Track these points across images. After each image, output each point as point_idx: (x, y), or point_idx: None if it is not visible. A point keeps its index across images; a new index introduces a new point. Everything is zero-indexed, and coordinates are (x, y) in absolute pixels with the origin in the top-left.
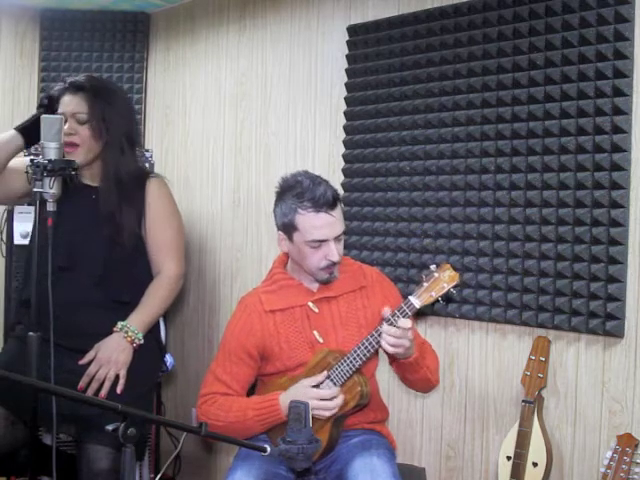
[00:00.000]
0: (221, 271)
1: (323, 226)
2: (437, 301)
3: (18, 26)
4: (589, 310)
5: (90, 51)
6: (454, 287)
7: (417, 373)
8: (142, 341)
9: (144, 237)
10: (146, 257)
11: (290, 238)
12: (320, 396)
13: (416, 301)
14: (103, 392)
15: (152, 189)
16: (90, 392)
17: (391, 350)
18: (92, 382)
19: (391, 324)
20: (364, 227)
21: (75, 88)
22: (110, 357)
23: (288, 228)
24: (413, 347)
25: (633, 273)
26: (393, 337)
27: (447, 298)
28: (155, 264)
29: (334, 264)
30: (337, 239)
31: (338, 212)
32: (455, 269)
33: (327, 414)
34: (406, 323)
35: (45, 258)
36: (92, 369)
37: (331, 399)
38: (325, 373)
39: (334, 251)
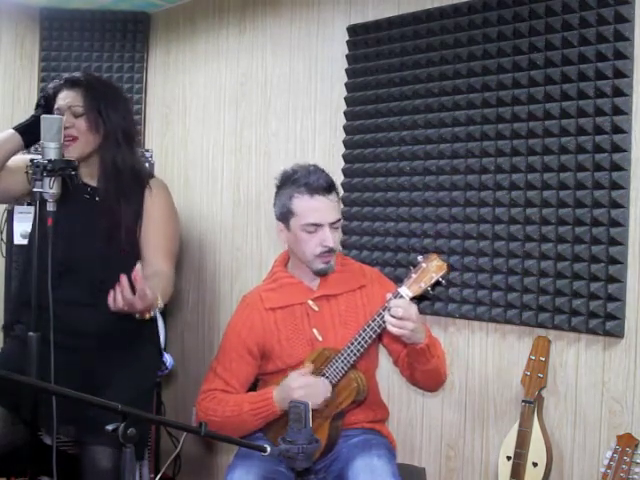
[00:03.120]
0: (221, 271)
1: (318, 209)
2: (427, 291)
3: (18, 26)
4: (589, 310)
5: (90, 51)
6: (442, 276)
7: (429, 363)
8: (155, 315)
9: (140, 239)
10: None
11: (287, 226)
12: (303, 383)
13: (406, 293)
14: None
15: (153, 192)
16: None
17: (395, 331)
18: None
19: (382, 318)
20: (364, 227)
21: (71, 83)
22: (149, 302)
23: (286, 215)
24: (423, 332)
25: (633, 273)
26: (397, 308)
27: (435, 289)
28: (149, 264)
29: (330, 252)
30: (333, 227)
31: (334, 199)
32: (439, 254)
33: (316, 400)
34: (401, 302)
35: (44, 258)
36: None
37: (314, 385)
38: (311, 365)
39: (329, 236)
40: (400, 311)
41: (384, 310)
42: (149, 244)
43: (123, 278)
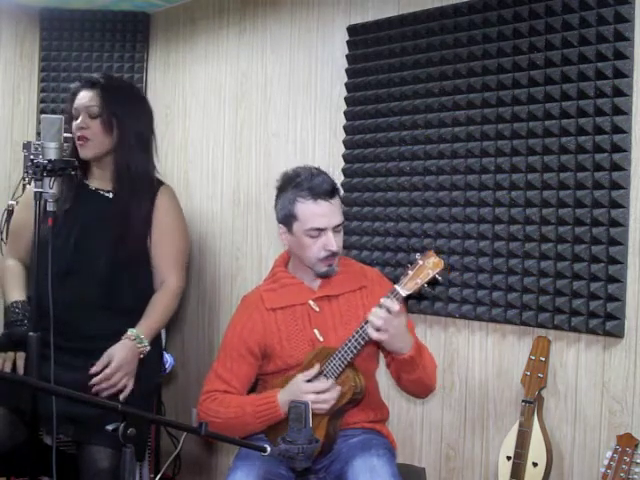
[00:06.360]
0: (221, 271)
1: (322, 214)
2: (424, 288)
3: (18, 26)
4: (589, 310)
5: (90, 51)
6: (439, 273)
7: (414, 372)
8: (147, 352)
9: (149, 247)
10: (149, 267)
11: (290, 230)
12: (315, 389)
13: (402, 289)
14: (121, 397)
15: (162, 200)
16: (101, 393)
17: (375, 335)
18: (106, 385)
19: None
20: (364, 227)
21: (90, 84)
22: (129, 364)
23: (288, 219)
24: (407, 343)
25: (633, 273)
26: (378, 319)
27: (434, 285)
28: (158, 275)
29: (333, 255)
30: (336, 230)
31: (336, 202)
32: (439, 254)
33: (325, 406)
34: (392, 305)
35: (45, 259)
36: (111, 372)
37: (326, 391)
38: (317, 366)
39: (332, 240)
40: (379, 322)
41: (380, 306)
42: (158, 252)
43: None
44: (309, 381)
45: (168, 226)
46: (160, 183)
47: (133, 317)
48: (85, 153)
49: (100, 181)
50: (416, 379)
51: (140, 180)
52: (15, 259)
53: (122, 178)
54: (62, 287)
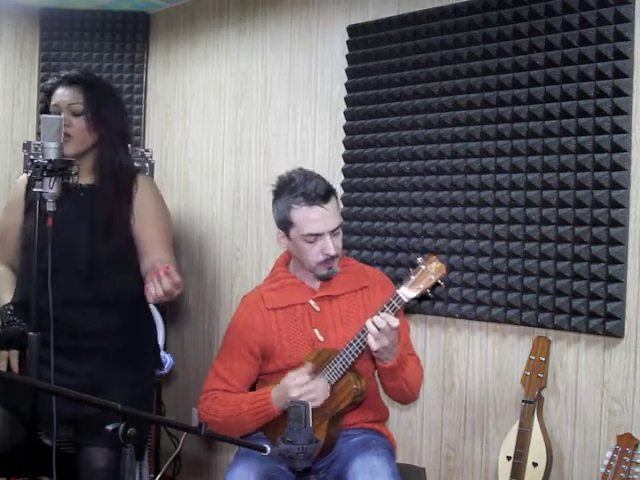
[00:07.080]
0: (221, 271)
1: (317, 220)
2: (426, 293)
3: (18, 26)
4: (589, 310)
5: (90, 51)
6: (441, 278)
7: (394, 381)
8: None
9: (135, 235)
10: (134, 260)
11: (287, 235)
12: (299, 382)
13: (404, 295)
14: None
15: (142, 188)
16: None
17: (374, 345)
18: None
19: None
20: (364, 227)
21: (70, 81)
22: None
23: (285, 225)
24: (394, 353)
25: (633, 273)
26: (376, 327)
27: (435, 290)
28: (149, 257)
29: (332, 258)
30: (333, 233)
31: (332, 206)
32: (439, 254)
33: (312, 396)
34: (392, 321)
35: (41, 258)
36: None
37: (310, 384)
38: (310, 364)
39: (330, 244)
40: (375, 330)
41: (383, 311)
42: (146, 238)
43: (162, 270)
44: None
45: (151, 211)
46: (137, 171)
47: (124, 313)
48: (67, 150)
49: (80, 176)
50: (397, 387)
51: (123, 175)
52: (4, 265)
53: (106, 174)
54: (46, 284)
